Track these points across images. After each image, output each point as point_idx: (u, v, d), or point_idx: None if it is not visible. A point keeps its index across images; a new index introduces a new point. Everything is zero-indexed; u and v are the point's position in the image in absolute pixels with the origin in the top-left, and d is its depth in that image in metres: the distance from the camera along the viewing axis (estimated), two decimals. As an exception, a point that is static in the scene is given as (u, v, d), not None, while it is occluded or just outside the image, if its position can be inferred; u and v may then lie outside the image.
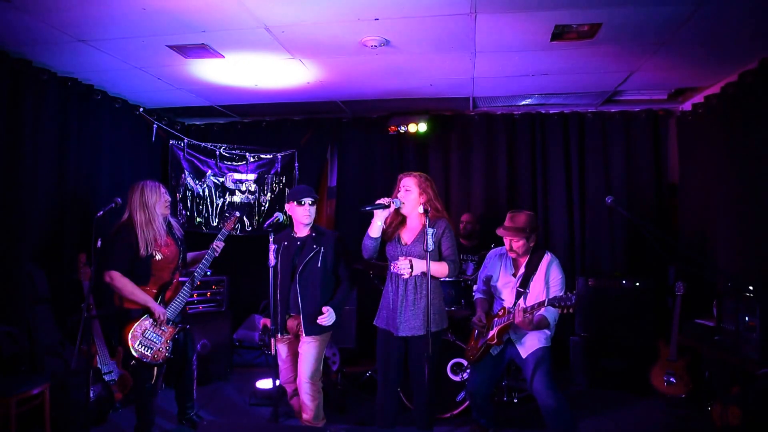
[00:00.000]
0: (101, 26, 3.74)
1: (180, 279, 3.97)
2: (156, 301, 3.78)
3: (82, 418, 3.82)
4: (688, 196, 5.54)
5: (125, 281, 3.69)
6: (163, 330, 3.79)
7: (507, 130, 6.13)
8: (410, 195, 3.43)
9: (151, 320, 3.74)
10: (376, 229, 3.39)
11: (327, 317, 3.54)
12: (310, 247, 3.65)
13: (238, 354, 5.94)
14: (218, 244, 3.95)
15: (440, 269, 3.40)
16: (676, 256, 5.65)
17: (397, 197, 3.43)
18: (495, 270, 3.86)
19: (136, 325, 3.70)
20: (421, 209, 3.34)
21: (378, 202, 3.34)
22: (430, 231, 3.19)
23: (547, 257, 3.67)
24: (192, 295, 5.12)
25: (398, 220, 3.54)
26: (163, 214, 3.88)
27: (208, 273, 4.45)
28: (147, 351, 3.71)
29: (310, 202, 3.68)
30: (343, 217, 6.47)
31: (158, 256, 3.80)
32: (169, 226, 3.99)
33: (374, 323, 3.59)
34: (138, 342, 3.68)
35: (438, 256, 3.46)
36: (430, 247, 3.16)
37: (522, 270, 3.68)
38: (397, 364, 3.50)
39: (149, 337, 3.73)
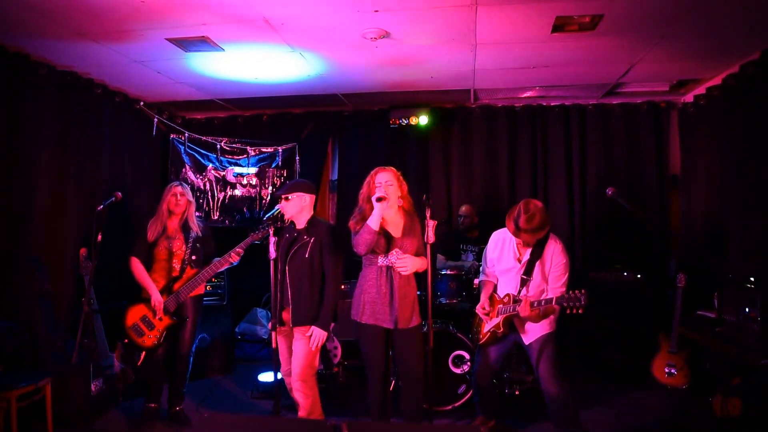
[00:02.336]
0: (100, 19, 3.72)
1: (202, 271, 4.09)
2: (163, 291, 4.01)
3: (84, 412, 3.84)
4: (689, 188, 5.54)
5: (138, 267, 4.06)
6: (158, 319, 3.98)
7: (508, 123, 6.12)
8: (392, 188, 3.47)
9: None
10: (377, 222, 3.37)
11: (313, 340, 3.53)
12: (301, 238, 3.66)
13: (239, 347, 5.95)
14: (238, 251, 4.03)
15: (423, 264, 3.48)
16: (677, 248, 5.66)
17: (380, 191, 3.41)
18: (498, 253, 3.79)
19: (138, 308, 4.01)
20: (400, 202, 3.51)
21: (377, 195, 3.35)
22: (431, 224, 3.21)
23: (551, 242, 3.59)
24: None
25: (371, 212, 3.47)
26: (171, 211, 4.15)
27: None
28: (138, 334, 3.98)
29: (284, 199, 3.69)
30: (344, 210, 6.45)
31: (159, 247, 4.08)
32: (185, 224, 4.19)
33: (359, 320, 3.51)
34: (133, 323, 3.99)
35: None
36: (431, 239, 3.19)
37: (527, 256, 3.61)
38: (388, 357, 3.55)
39: (144, 322, 3.98)
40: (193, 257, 4.14)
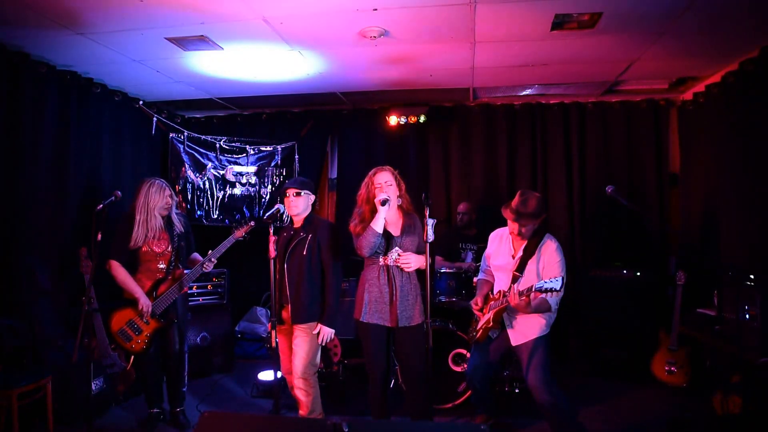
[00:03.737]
0: (99, 18, 3.72)
1: (185, 272, 4.03)
2: (149, 294, 3.92)
3: (84, 411, 3.84)
4: (689, 186, 5.54)
5: (120, 270, 3.90)
6: (145, 322, 3.90)
7: (507, 121, 6.11)
8: (391, 188, 3.47)
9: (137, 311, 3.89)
10: (381, 224, 3.38)
11: (321, 337, 3.56)
12: (298, 235, 3.66)
13: (239, 346, 5.95)
14: (219, 251, 4.02)
15: (424, 262, 3.44)
16: (676, 246, 5.66)
17: (383, 193, 3.41)
18: (495, 247, 3.79)
19: (123, 312, 3.89)
20: (399, 201, 3.51)
21: (381, 197, 3.36)
22: (430, 222, 3.21)
23: (546, 241, 3.55)
24: (192, 287, 5.22)
25: (371, 213, 3.48)
26: (162, 215, 4.04)
27: None
28: (126, 339, 3.88)
29: (294, 194, 3.67)
30: (343, 208, 6.45)
31: (145, 248, 3.97)
32: (168, 221, 4.09)
33: (361, 319, 3.50)
34: (120, 329, 3.87)
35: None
36: (431, 237, 3.17)
37: (520, 253, 3.58)
38: (389, 355, 3.56)
39: (131, 327, 3.88)
40: (179, 257, 4.11)
